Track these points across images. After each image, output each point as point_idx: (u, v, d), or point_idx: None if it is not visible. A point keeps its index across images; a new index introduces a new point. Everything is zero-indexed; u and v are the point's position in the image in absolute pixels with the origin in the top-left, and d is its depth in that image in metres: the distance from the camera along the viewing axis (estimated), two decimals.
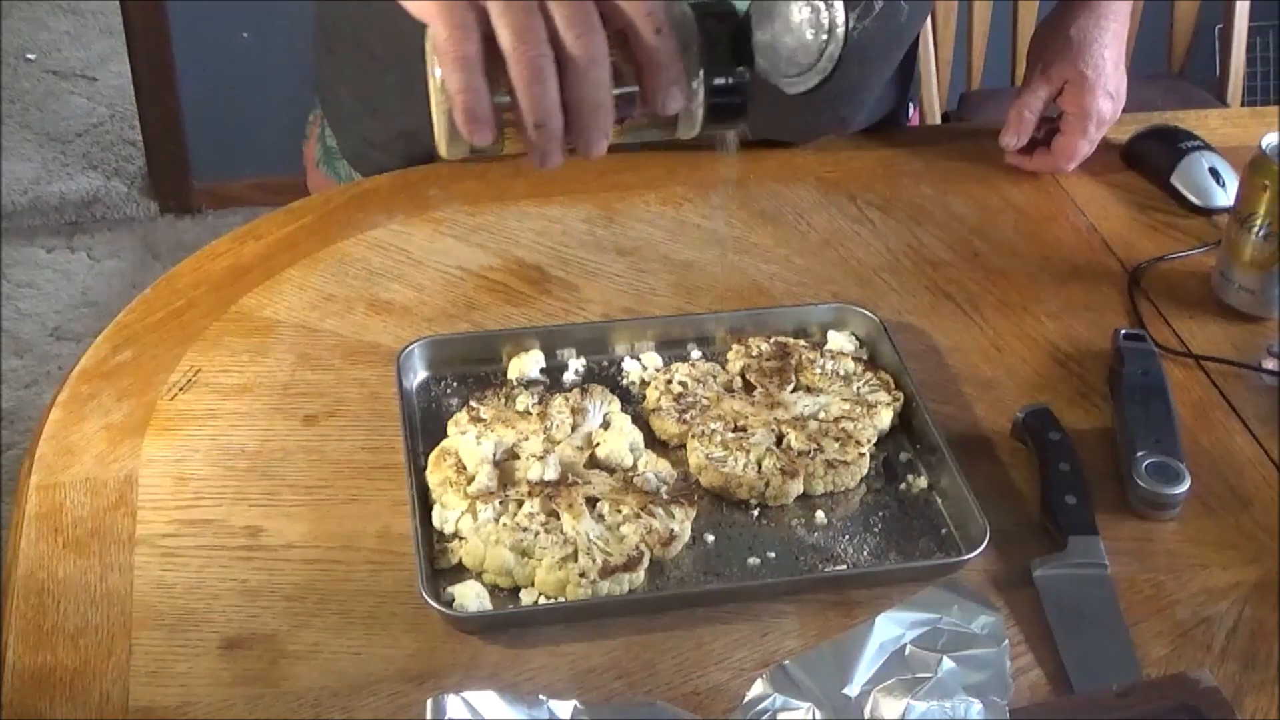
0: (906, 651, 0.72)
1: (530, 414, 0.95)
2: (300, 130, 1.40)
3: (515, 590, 0.86)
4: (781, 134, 1.27)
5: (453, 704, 0.69)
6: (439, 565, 0.87)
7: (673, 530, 0.88)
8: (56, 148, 3.15)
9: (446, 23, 0.78)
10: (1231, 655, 0.84)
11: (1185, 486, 0.92)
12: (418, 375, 1.01)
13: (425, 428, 0.96)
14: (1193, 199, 1.24)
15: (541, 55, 0.77)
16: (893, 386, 1.00)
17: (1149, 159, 1.28)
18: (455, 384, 1.01)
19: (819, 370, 1.01)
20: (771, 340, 1.03)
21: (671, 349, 1.04)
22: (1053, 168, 1.28)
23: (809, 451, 0.93)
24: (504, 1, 0.77)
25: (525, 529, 0.86)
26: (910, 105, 1.43)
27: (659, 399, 0.98)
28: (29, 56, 3.43)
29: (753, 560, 0.89)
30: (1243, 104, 2.21)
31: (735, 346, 1.03)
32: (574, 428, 0.95)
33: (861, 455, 0.94)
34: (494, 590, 0.86)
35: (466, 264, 1.13)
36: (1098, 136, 1.27)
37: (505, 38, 0.77)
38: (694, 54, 0.81)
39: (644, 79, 0.80)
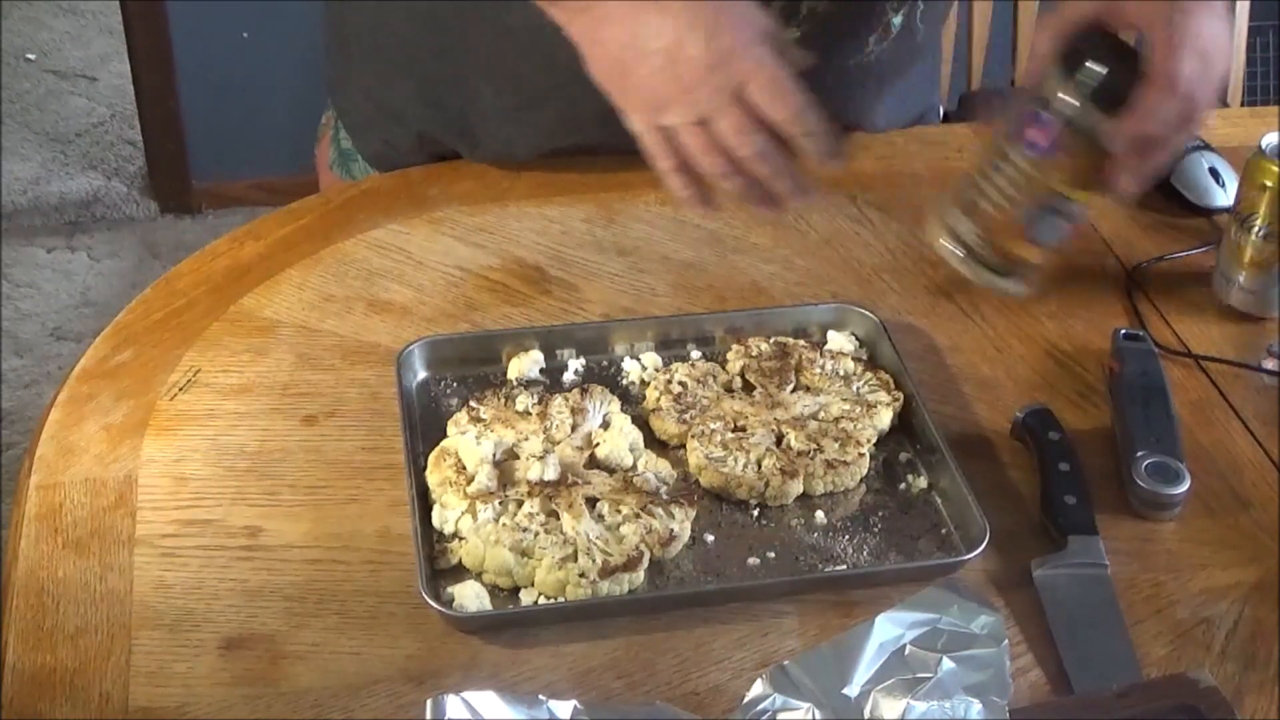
0: (906, 651, 0.72)
1: (530, 414, 0.95)
2: (302, 130, 1.40)
3: (515, 590, 0.86)
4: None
5: (452, 704, 0.69)
6: (439, 565, 0.87)
7: (672, 530, 0.88)
8: (56, 148, 3.15)
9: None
10: (1231, 655, 0.84)
11: (1185, 486, 0.92)
12: (417, 375, 1.01)
13: (425, 428, 0.96)
14: (1193, 199, 1.23)
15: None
16: (892, 386, 1.00)
17: None
18: (455, 384, 1.01)
19: (819, 370, 1.00)
20: (771, 340, 1.03)
21: (671, 349, 1.04)
22: (1128, 188, 0.93)
23: (809, 451, 0.93)
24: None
25: (525, 529, 0.86)
26: (939, 107, 1.41)
27: (659, 399, 0.98)
28: (29, 56, 3.42)
29: (753, 560, 0.89)
30: (1243, 104, 2.20)
31: (735, 346, 1.03)
32: (574, 428, 0.95)
33: (861, 455, 0.94)
34: (494, 590, 0.86)
35: (466, 264, 1.13)
36: (1189, 118, 0.89)
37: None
38: None
39: None
